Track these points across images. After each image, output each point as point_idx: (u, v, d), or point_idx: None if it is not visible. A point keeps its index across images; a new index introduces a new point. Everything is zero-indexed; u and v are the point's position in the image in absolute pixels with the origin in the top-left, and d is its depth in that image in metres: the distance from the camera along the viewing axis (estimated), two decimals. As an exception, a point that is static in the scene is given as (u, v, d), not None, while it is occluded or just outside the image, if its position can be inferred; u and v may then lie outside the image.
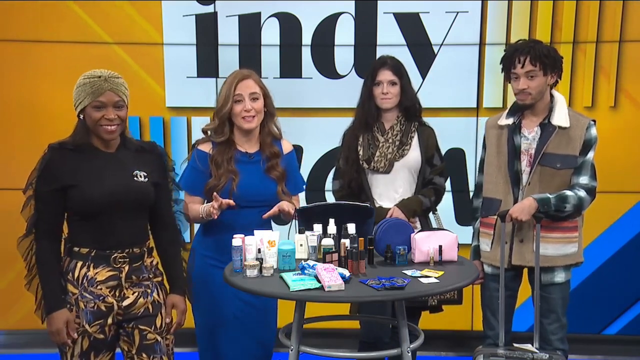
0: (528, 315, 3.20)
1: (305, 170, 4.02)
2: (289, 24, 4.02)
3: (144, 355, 2.46)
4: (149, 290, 2.47)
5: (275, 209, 2.79)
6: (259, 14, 4.02)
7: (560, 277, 2.91)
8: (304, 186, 3.13)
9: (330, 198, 3.72)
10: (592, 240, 3.92)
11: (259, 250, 2.59)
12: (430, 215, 3.27)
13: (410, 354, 2.60)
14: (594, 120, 2.91)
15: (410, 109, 3.15)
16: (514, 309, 3.06)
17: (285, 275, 2.48)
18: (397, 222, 2.83)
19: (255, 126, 2.86)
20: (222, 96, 2.84)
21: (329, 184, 3.81)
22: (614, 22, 3.90)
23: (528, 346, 2.83)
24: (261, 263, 2.55)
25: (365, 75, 3.22)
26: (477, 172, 3.16)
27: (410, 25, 3.98)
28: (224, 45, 4.05)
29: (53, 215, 2.37)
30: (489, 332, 3.03)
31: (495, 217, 2.91)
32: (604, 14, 3.90)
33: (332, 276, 2.37)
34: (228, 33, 4.03)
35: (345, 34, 4.01)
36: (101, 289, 2.39)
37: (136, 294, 2.44)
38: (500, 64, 2.93)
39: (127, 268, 2.42)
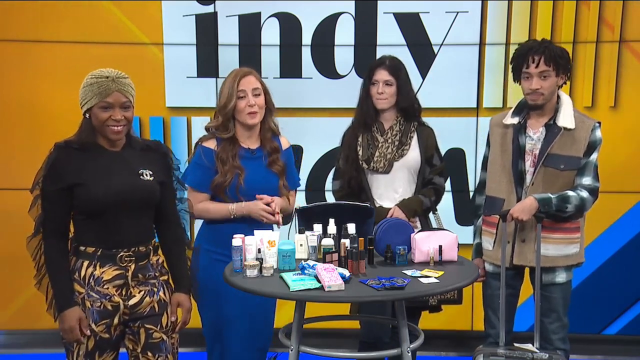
0: (529, 315, 3.19)
1: (305, 170, 4.03)
2: (289, 24, 4.02)
3: (149, 353, 2.45)
4: (155, 289, 2.47)
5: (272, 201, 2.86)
6: (259, 14, 4.02)
7: (561, 277, 2.90)
8: (299, 182, 3.17)
9: (330, 198, 3.71)
10: (592, 240, 3.91)
11: (259, 250, 2.59)
12: (430, 215, 3.27)
13: (410, 354, 2.60)
14: (599, 122, 2.89)
15: (408, 109, 3.14)
16: (516, 307, 3.06)
17: (285, 275, 2.48)
18: (397, 222, 2.84)
19: (258, 121, 2.90)
20: (225, 93, 2.87)
21: (329, 184, 3.81)
22: (614, 22, 3.89)
23: (528, 346, 2.83)
24: (261, 263, 2.55)
25: (364, 75, 3.22)
26: (480, 169, 3.14)
27: (410, 25, 3.98)
28: (224, 45, 4.05)
29: (60, 214, 2.37)
30: (490, 331, 3.03)
31: (498, 216, 2.91)
32: (604, 14, 3.90)
33: (332, 276, 2.37)
34: (228, 33, 4.03)
35: (345, 34, 4.01)
36: (108, 288, 2.38)
37: (142, 292, 2.44)
38: (511, 63, 2.91)
39: (133, 267, 2.42)
